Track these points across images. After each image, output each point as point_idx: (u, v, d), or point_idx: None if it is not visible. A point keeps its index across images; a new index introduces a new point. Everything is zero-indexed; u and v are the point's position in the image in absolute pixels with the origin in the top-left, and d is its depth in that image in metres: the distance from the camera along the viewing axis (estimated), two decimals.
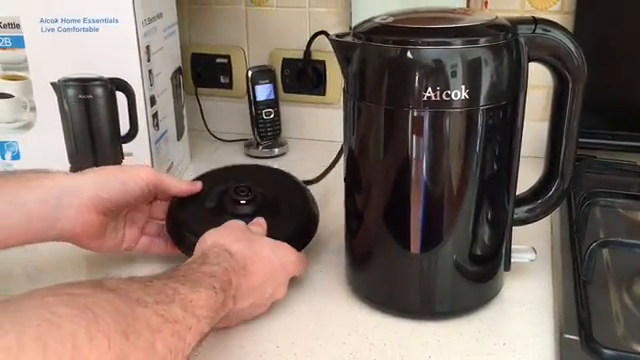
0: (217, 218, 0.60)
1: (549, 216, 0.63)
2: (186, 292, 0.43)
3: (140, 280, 0.42)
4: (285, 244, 0.58)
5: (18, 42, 0.72)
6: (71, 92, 0.73)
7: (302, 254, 0.61)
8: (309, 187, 0.71)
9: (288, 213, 0.65)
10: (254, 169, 0.76)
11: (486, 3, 0.87)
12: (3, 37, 0.72)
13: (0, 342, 0.27)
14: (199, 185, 0.65)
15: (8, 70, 0.74)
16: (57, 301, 0.32)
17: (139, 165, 0.68)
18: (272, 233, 0.60)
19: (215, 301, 0.46)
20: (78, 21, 0.71)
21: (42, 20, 0.71)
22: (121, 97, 0.74)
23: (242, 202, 0.64)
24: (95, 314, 0.32)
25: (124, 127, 0.75)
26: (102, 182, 0.58)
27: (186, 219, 0.63)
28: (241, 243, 0.54)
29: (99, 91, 0.73)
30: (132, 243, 0.64)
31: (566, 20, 0.85)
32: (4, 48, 0.73)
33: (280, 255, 0.57)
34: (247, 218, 0.61)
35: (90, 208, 0.57)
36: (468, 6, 0.84)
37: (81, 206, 0.57)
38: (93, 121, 0.74)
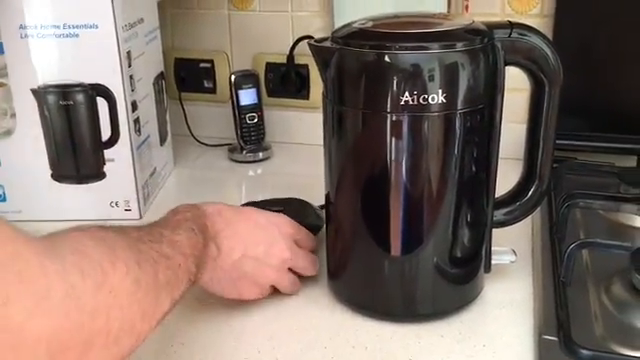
0: None
1: (530, 218, 0.63)
2: (169, 234, 0.47)
3: (133, 226, 0.46)
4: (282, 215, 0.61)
5: None
6: (51, 98, 0.72)
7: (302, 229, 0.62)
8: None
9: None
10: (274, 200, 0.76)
11: (467, 7, 0.87)
12: None
13: (52, 267, 0.33)
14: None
15: None
16: (82, 235, 0.39)
17: None
18: None
19: (196, 242, 0.49)
20: (58, 27, 0.70)
21: (21, 26, 0.70)
22: (102, 103, 0.73)
23: None
24: (111, 246, 0.39)
25: (105, 133, 0.74)
26: None
27: None
28: (228, 212, 0.57)
29: (80, 97, 0.72)
30: None
31: (546, 23, 0.86)
32: None
33: (271, 218, 0.60)
34: None
35: None
36: (449, 11, 0.84)
37: None
38: (74, 127, 0.74)
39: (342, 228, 0.58)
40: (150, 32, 0.83)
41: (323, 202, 0.61)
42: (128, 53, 0.74)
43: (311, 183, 0.80)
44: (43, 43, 0.71)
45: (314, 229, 0.66)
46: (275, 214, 0.61)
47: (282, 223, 0.60)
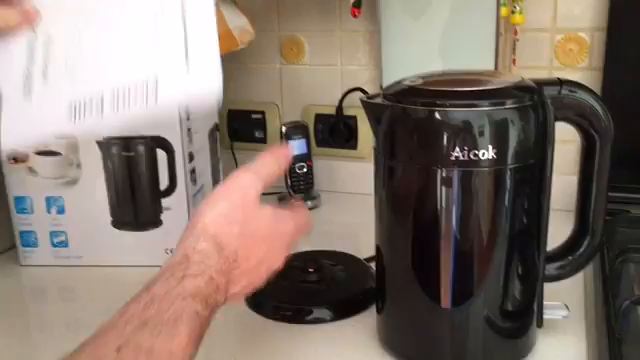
0: (282, 280, 0.64)
1: (582, 272, 0.62)
2: (163, 340, 0.40)
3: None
4: (287, 212, 0.54)
5: None
6: (115, 149, 0.77)
7: (304, 214, 0.55)
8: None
9: (348, 283, 0.73)
10: (325, 253, 0.80)
11: (514, 61, 0.89)
12: None
13: None
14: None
15: None
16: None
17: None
18: (331, 297, 0.69)
19: (201, 323, 0.43)
20: None
21: None
22: (161, 154, 0.77)
23: (310, 270, 0.73)
24: None
25: (163, 182, 0.78)
26: None
27: None
28: (235, 228, 0.49)
29: (141, 149, 0.77)
30: None
31: (595, 76, 0.87)
32: None
33: (280, 228, 0.53)
34: (313, 284, 0.72)
35: None
36: (496, 65, 0.86)
37: None
38: (134, 177, 0.78)
39: (392, 279, 0.59)
40: None
41: (370, 251, 0.62)
42: (187, 107, 0.78)
43: (358, 232, 0.82)
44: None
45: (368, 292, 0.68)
46: (285, 220, 0.54)
47: (287, 234, 0.54)
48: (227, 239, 0.48)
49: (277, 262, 0.53)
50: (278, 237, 0.53)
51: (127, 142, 0.77)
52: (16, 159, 0.79)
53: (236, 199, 0.51)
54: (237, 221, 0.50)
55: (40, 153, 0.78)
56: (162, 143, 0.77)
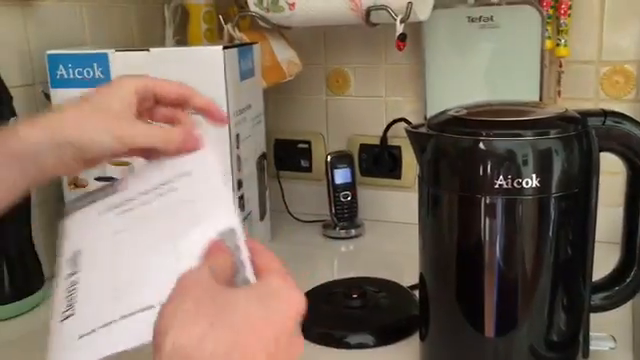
0: (325, 306, 0.65)
1: (630, 304, 0.62)
2: None
3: None
4: (274, 292, 0.38)
5: None
6: None
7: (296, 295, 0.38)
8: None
9: (391, 309, 0.74)
10: (368, 280, 0.82)
11: (559, 92, 0.89)
12: None
13: None
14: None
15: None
16: None
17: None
18: (374, 323, 0.70)
19: None
20: None
21: None
22: None
23: (354, 296, 0.74)
24: None
25: None
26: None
27: None
28: (211, 333, 0.35)
29: None
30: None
31: None
32: None
33: (268, 317, 0.37)
34: (356, 310, 0.73)
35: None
36: (541, 96, 0.87)
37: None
38: None
39: (436, 307, 0.59)
40: (256, 116, 0.91)
41: (414, 279, 0.62)
42: (237, 136, 0.81)
43: (401, 260, 0.82)
44: None
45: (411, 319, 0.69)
46: (273, 307, 0.37)
47: (279, 321, 0.37)
48: (204, 345, 0.34)
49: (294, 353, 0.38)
50: (271, 330, 0.36)
51: None
52: (76, 184, 0.83)
53: (195, 293, 0.37)
54: (211, 319, 0.35)
55: (99, 179, 0.82)
56: None
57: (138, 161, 0.54)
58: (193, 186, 0.48)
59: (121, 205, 0.50)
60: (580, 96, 0.90)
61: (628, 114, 0.56)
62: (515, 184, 0.51)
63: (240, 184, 0.83)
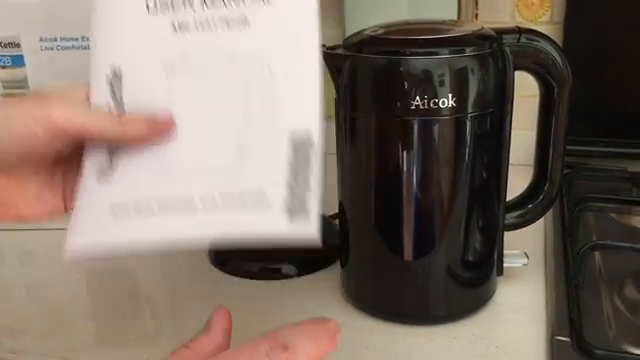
0: None
1: (542, 222, 0.64)
2: None
3: None
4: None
5: (18, 61, 0.74)
6: None
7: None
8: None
9: None
10: None
11: (476, 15, 0.89)
12: (3, 57, 0.74)
13: None
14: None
15: (8, 88, 0.76)
16: None
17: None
18: (295, 253, 0.67)
19: None
20: (76, 39, 0.72)
21: (41, 39, 0.72)
22: None
23: None
24: None
25: None
26: None
27: None
28: None
29: None
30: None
31: (555, 30, 0.87)
32: (4, 67, 0.74)
33: None
34: None
35: None
36: (459, 18, 0.85)
37: None
38: None
39: (355, 234, 0.59)
40: None
41: (334, 209, 0.61)
42: None
43: (324, 193, 0.81)
44: (63, 55, 0.73)
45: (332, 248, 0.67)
46: None
47: None
48: None
49: None
50: None
51: None
52: None
53: None
54: None
55: None
56: None
57: None
58: (273, 28, 0.36)
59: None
60: (496, 19, 0.90)
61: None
62: (432, 104, 0.50)
63: None
